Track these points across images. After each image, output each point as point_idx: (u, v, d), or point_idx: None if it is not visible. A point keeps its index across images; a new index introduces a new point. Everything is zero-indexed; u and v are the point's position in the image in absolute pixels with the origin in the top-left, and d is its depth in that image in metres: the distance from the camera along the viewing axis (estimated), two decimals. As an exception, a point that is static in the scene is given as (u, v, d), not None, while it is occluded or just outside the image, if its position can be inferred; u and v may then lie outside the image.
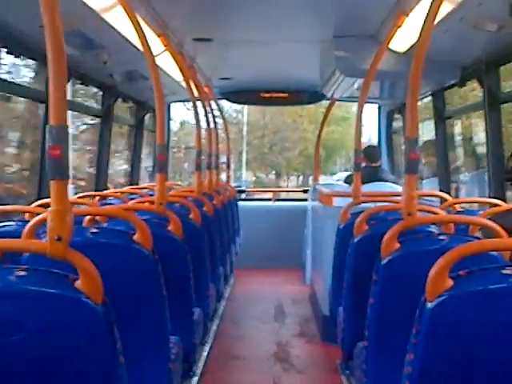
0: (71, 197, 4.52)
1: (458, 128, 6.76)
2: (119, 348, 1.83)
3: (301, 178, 30.89)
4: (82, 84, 5.37)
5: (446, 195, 4.97)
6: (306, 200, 8.10)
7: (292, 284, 7.49)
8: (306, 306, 6.36)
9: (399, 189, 5.65)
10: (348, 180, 6.62)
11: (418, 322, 1.83)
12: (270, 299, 6.69)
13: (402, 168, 7.54)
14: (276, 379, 4.29)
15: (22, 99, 4.99)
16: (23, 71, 4.83)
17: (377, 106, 8.53)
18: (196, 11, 4.45)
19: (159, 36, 4.50)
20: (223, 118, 8.61)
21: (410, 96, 2.77)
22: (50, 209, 1.80)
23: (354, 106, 5.05)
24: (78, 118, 8.29)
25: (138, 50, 3.61)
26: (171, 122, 9.73)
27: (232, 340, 5.20)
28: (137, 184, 7.38)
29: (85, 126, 9.46)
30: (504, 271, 1.81)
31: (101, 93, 6.04)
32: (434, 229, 3.04)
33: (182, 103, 9.78)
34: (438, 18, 2.75)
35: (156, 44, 4.48)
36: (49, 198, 1.86)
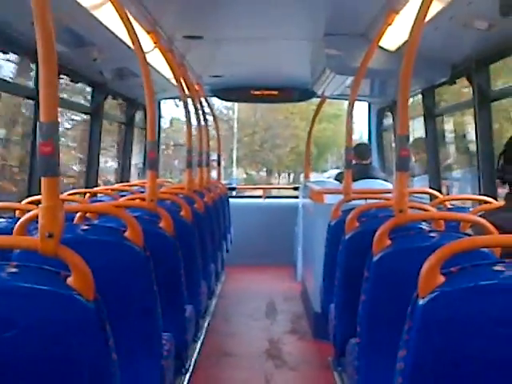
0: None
1: (450, 125, 6.78)
2: (111, 345, 1.82)
3: (292, 175, 30.90)
4: (71, 81, 5.35)
5: (436, 192, 4.99)
6: (296, 197, 8.11)
7: (283, 281, 7.50)
8: (297, 303, 6.37)
9: (389, 186, 5.68)
10: (339, 177, 6.64)
11: (410, 319, 1.84)
12: (262, 296, 6.69)
13: (392, 165, 7.56)
14: (268, 376, 4.30)
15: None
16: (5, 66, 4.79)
17: (367, 103, 8.55)
18: (186, 8, 4.44)
19: (149, 33, 4.50)
20: (213, 115, 8.61)
21: (401, 94, 2.78)
22: (41, 205, 1.79)
23: (346, 104, 5.05)
24: (61, 115, 8.28)
25: (129, 47, 3.60)
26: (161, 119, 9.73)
27: (224, 337, 5.20)
28: (127, 181, 7.37)
29: (70, 123, 9.44)
30: (495, 267, 1.82)
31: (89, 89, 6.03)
32: (424, 226, 3.05)
33: (171, 100, 9.74)
34: (429, 16, 2.76)
35: (146, 41, 4.47)
36: (39, 194, 1.85)
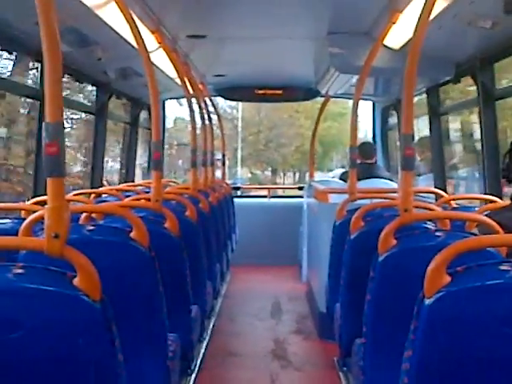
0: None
1: (457, 123, 6.76)
2: (117, 345, 1.82)
3: (297, 174, 30.78)
4: (77, 81, 5.36)
5: (441, 192, 4.98)
6: (301, 197, 8.11)
7: (288, 281, 7.49)
8: (302, 302, 6.36)
9: (394, 185, 5.67)
10: (343, 177, 6.63)
11: (415, 319, 1.83)
12: (267, 296, 6.69)
13: (396, 164, 7.55)
14: (273, 376, 4.30)
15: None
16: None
17: (372, 102, 8.54)
18: (190, 8, 4.44)
19: (153, 33, 4.50)
20: (217, 114, 8.61)
21: (405, 92, 2.77)
22: (46, 206, 1.79)
23: (351, 102, 5.03)
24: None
25: (133, 46, 3.60)
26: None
27: (229, 337, 5.20)
28: (132, 181, 7.37)
29: (69, 122, 9.44)
30: (501, 267, 1.81)
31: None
32: (430, 225, 3.04)
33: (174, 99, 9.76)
34: (432, 14, 2.75)
35: (150, 41, 4.47)
36: (45, 195, 1.85)
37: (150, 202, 3.52)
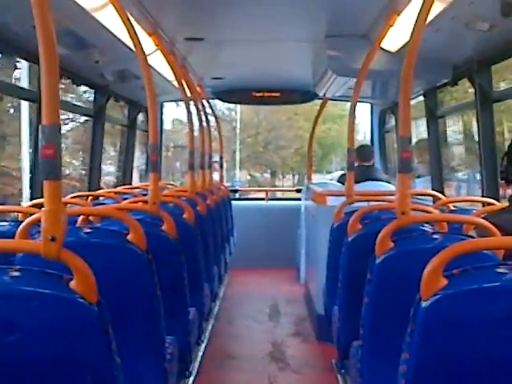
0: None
1: (459, 124, 6.75)
2: (114, 348, 1.82)
3: (296, 176, 30.71)
4: (73, 83, 5.36)
5: (439, 194, 4.98)
6: (299, 199, 8.11)
7: (286, 283, 7.49)
8: (300, 305, 6.36)
9: (392, 188, 5.67)
10: (341, 179, 6.63)
11: (412, 321, 1.83)
12: (265, 299, 6.69)
13: (394, 167, 7.55)
14: (271, 378, 4.29)
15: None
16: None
17: (369, 105, 8.55)
18: (187, 11, 4.44)
19: (151, 35, 4.50)
20: (215, 117, 8.61)
21: (402, 95, 2.78)
22: (43, 209, 1.79)
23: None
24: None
25: (130, 49, 3.61)
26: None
27: (227, 339, 5.20)
28: (130, 184, 7.36)
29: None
30: (498, 270, 1.81)
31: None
32: (427, 228, 3.05)
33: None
34: (430, 17, 2.75)
35: (148, 43, 4.47)
36: (42, 198, 1.85)
37: (147, 204, 3.52)
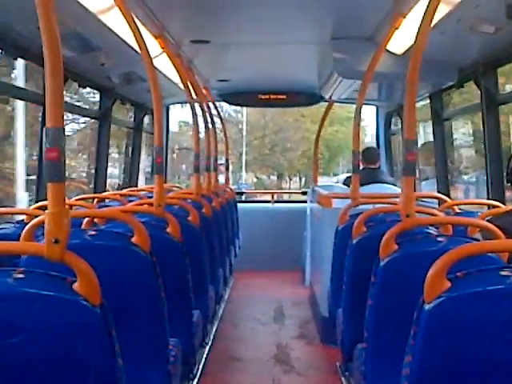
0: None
1: (468, 126, 6.73)
2: (117, 350, 1.83)
3: (303, 179, 30.54)
4: (80, 86, 5.37)
5: (444, 197, 4.97)
6: (305, 202, 8.10)
7: (291, 286, 7.48)
8: (305, 307, 6.36)
9: (398, 190, 5.66)
10: (347, 182, 6.62)
11: (415, 324, 1.83)
12: (270, 301, 6.69)
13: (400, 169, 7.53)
14: (276, 381, 4.29)
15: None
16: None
17: (375, 107, 8.54)
18: (193, 13, 4.45)
19: (157, 38, 4.51)
20: (221, 119, 8.61)
21: (408, 97, 2.77)
22: (47, 211, 1.80)
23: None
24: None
25: (136, 51, 3.61)
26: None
27: (232, 342, 5.20)
28: (135, 186, 7.38)
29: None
30: (502, 272, 1.81)
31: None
32: (432, 230, 3.04)
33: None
34: (435, 19, 2.75)
35: (154, 46, 4.48)
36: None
37: (152, 206, 3.53)
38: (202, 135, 5.97)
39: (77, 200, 4.57)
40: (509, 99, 4.62)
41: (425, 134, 7.06)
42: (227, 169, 8.73)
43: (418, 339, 1.80)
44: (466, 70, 4.81)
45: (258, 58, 6.16)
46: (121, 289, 2.52)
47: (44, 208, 3.46)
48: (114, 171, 8.20)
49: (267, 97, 8.21)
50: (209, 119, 6.34)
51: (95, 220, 3.49)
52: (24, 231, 2.60)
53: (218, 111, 8.28)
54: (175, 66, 4.81)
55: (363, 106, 4.55)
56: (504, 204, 4.22)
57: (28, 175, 9.39)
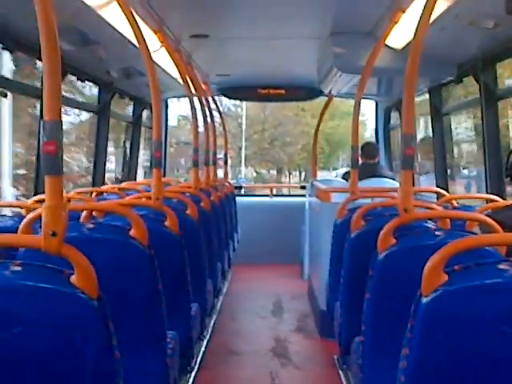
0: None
1: (470, 121, 6.71)
2: (114, 343, 1.83)
3: (303, 173, 30.42)
4: (79, 80, 5.37)
5: (443, 191, 4.98)
6: (304, 196, 8.11)
7: (290, 279, 7.50)
8: (303, 301, 6.37)
9: (397, 184, 5.67)
10: (346, 176, 6.63)
11: (413, 317, 1.84)
12: (268, 294, 6.70)
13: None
14: (274, 374, 4.30)
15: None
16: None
17: (374, 102, 8.54)
18: (192, 8, 4.45)
19: (156, 32, 4.51)
20: (220, 114, 8.61)
21: (406, 92, 2.77)
22: (44, 204, 1.80)
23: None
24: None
25: (135, 46, 3.61)
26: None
27: (230, 335, 5.21)
28: (134, 180, 7.38)
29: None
30: (500, 266, 1.82)
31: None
32: (430, 224, 3.05)
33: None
34: (434, 14, 2.75)
35: (153, 40, 4.48)
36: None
37: (150, 200, 3.53)
38: (201, 129, 5.97)
39: (75, 193, 4.58)
40: (508, 94, 4.62)
41: (425, 128, 7.05)
42: (226, 163, 8.74)
43: (415, 332, 1.81)
44: (465, 65, 4.81)
45: (257, 53, 6.16)
46: (118, 282, 2.52)
47: (42, 201, 3.48)
48: (110, 165, 8.16)
49: (266, 91, 8.21)
50: (208, 113, 6.34)
51: (93, 213, 3.49)
52: (22, 224, 2.61)
53: (216, 105, 8.28)
54: (174, 61, 4.80)
55: (363, 101, 4.55)
56: (502, 198, 4.22)
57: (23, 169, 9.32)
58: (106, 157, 6.23)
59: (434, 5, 2.68)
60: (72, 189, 5.61)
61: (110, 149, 7.69)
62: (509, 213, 2.89)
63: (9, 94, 4.37)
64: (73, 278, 1.77)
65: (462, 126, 6.82)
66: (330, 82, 6.25)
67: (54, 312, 1.74)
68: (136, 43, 3.45)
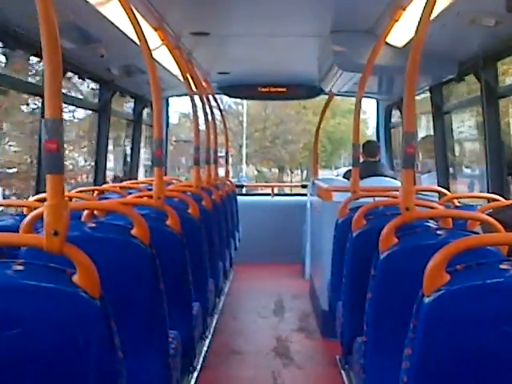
0: None
1: (473, 119, 6.69)
2: (117, 342, 1.83)
3: (305, 172, 30.27)
4: (80, 78, 5.36)
5: (444, 190, 4.97)
6: (305, 195, 8.10)
7: (291, 279, 7.49)
8: (305, 300, 6.36)
9: (398, 183, 5.66)
10: (347, 175, 6.61)
11: (415, 317, 1.83)
12: (270, 294, 6.69)
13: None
14: (275, 374, 4.30)
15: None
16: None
17: (375, 100, 8.53)
18: (193, 5, 4.44)
19: (156, 30, 4.50)
20: (221, 112, 8.61)
21: (407, 91, 2.76)
22: (46, 203, 1.80)
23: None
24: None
25: (136, 43, 3.61)
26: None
27: (231, 335, 5.20)
28: (135, 179, 7.37)
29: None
30: (501, 266, 1.81)
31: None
32: (432, 224, 3.04)
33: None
34: (435, 12, 2.75)
35: (153, 38, 4.47)
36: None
37: (152, 199, 3.52)
38: (201, 127, 5.96)
39: (77, 192, 4.57)
40: (509, 92, 4.61)
41: (427, 127, 7.04)
42: (227, 161, 8.73)
43: (417, 332, 1.80)
44: (466, 63, 4.80)
45: (257, 51, 6.15)
46: (120, 281, 2.52)
47: (43, 200, 3.48)
48: (109, 164, 8.15)
49: (267, 89, 8.21)
50: (208, 111, 6.33)
51: (95, 212, 3.49)
52: (23, 223, 2.60)
53: (217, 103, 8.27)
54: (175, 59, 4.80)
55: (365, 99, 4.54)
56: (504, 197, 4.21)
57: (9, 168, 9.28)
58: (106, 155, 6.22)
59: (434, 2, 2.67)
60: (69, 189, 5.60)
61: (110, 147, 7.70)
62: (511, 212, 2.88)
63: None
64: (75, 278, 1.76)
65: (465, 125, 6.80)
66: (330, 81, 6.24)
67: (56, 311, 1.74)
68: (137, 41, 3.44)
